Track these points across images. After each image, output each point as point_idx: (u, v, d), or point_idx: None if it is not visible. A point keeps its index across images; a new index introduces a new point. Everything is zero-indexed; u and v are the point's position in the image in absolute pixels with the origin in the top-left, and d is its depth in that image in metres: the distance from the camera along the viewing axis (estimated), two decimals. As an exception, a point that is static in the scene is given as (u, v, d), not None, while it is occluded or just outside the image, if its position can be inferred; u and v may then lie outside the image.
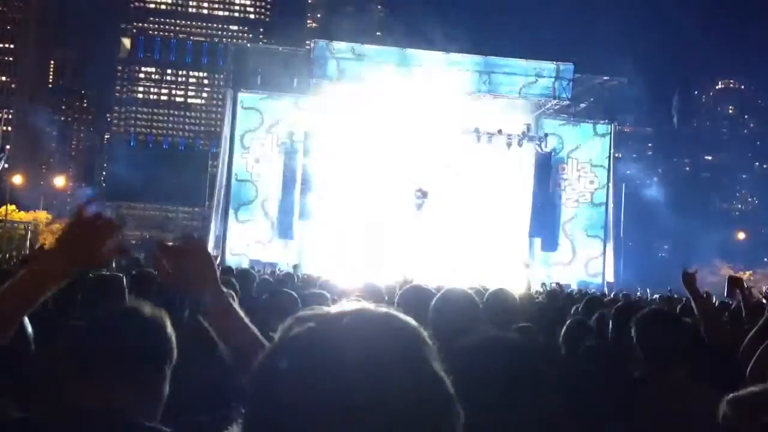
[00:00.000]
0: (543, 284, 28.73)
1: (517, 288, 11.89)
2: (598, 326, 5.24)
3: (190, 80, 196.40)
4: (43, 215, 53.28)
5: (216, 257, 27.93)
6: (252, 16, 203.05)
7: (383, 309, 0.96)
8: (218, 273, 2.02)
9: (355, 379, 0.82)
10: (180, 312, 4.19)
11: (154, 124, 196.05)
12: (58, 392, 2.00)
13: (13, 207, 51.41)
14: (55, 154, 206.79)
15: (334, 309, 0.94)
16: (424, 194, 19.78)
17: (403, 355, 0.87)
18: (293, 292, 5.26)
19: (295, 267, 22.59)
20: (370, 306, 0.95)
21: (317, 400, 0.81)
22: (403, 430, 0.83)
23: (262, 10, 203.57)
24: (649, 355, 3.46)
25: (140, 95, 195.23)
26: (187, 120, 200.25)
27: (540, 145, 34.64)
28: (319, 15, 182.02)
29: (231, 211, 33.82)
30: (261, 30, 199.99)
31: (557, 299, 10.72)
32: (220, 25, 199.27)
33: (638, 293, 24.20)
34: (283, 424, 0.82)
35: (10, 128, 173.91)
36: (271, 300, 5.00)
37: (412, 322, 0.95)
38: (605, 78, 37.21)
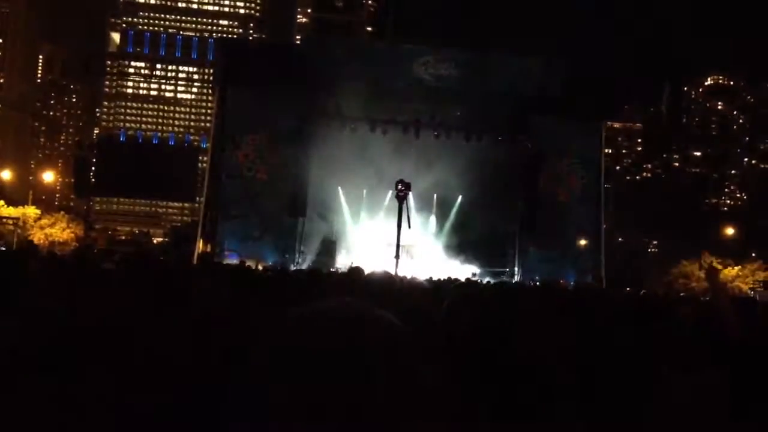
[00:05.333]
0: (535, 279, 28.90)
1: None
2: None
3: (180, 75, 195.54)
4: (31, 210, 52.87)
5: (208, 253, 27.79)
6: (242, 11, 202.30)
7: (363, 304, 1.06)
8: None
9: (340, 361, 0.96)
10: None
11: (144, 119, 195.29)
12: None
13: (2, 202, 51.06)
14: (44, 150, 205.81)
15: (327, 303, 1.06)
16: (407, 186, 19.85)
17: (379, 345, 1.00)
18: None
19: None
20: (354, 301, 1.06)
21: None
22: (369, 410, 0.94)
23: (252, 4, 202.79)
24: None
25: (130, 90, 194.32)
26: (176, 115, 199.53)
27: (530, 141, 34.66)
28: (309, 10, 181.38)
29: (221, 207, 33.70)
30: (251, 25, 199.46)
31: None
32: (210, 20, 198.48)
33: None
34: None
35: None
36: None
37: (386, 314, 1.06)
38: (595, 74, 37.27)
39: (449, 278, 17.26)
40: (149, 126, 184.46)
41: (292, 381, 0.95)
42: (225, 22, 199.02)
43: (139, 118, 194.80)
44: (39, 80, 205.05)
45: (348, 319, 1.02)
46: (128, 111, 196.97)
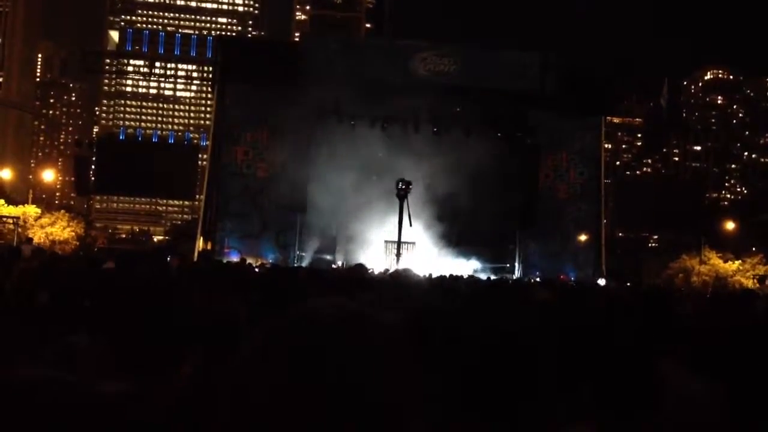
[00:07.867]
0: (536, 275, 28.91)
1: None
2: None
3: (179, 73, 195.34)
4: (32, 209, 52.80)
5: (208, 251, 27.80)
6: (240, 9, 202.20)
7: (358, 306, 1.01)
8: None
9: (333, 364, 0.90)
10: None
11: (143, 117, 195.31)
12: None
13: (2, 201, 51.02)
14: (44, 149, 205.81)
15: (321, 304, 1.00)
16: (407, 184, 19.88)
17: (373, 348, 0.95)
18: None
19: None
20: (349, 303, 1.01)
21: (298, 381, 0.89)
22: (368, 415, 0.89)
23: (251, 2, 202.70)
24: None
25: (129, 88, 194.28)
26: (176, 113, 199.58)
27: (529, 137, 34.62)
28: (307, 6, 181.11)
29: (221, 205, 33.67)
30: (250, 22, 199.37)
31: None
32: (208, 18, 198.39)
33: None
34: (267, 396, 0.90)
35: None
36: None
37: (384, 317, 1.01)
38: (594, 69, 37.17)
39: (452, 275, 17.28)
40: (149, 124, 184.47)
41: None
42: (224, 20, 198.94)
43: (138, 116, 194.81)
44: (38, 79, 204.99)
45: (339, 323, 0.96)
46: (128, 109, 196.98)
